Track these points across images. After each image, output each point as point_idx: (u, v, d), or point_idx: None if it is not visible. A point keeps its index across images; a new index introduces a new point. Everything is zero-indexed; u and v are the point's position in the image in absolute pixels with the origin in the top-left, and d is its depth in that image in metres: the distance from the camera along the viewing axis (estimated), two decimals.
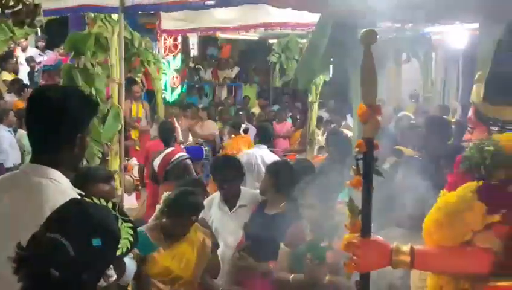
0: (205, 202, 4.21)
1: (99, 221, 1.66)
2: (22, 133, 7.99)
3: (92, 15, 6.45)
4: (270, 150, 6.64)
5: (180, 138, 9.39)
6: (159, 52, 11.04)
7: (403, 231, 3.11)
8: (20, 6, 3.66)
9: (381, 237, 2.07)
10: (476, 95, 2.24)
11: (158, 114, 9.67)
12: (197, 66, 14.68)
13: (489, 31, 3.93)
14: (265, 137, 6.56)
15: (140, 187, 7.67)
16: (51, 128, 2.08)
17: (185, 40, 13.39)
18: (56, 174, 2.08)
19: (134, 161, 8.41)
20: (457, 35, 9.87)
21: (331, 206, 3.54)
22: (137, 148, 9.15)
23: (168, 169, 6.44)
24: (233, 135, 8.68)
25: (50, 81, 10.50)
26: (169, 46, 11.92)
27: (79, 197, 1.98)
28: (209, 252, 3.75)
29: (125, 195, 6.90)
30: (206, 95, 14.38)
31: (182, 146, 8.25)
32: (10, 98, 9.89)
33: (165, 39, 11.48)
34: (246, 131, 9.23)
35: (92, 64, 6.19)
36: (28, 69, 12.00)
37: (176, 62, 12.39)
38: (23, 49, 12.26)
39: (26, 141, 5.80)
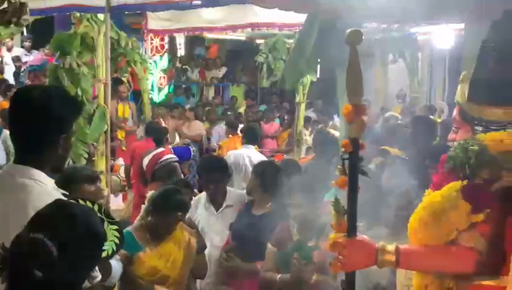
0: (192, 203, 4.20)
1: (83, 222, 1.65)
2: (7, 133, 7.92)
3: (78, 15, 6.42)
4: (259, 151, 6.64)
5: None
6: (145, 52, 10.99)
7: (391, 231, 3.13)
8: (5, 5, 3.63)
9: (368, 236, 2.08)
10: (460, 95, 2.25)
11: (145, 114, 9.64)
12: (184, 66, 14.63)
13: (474, 31, 3.96)
14: (252, 137, 6.55)
15: (127, 188, 7.64)
16: (34, 129, 2.07)
17: (172, 40, 13.34)
18: (40, 175, 2.07)
19: (120, 161, 8.38)
20: (443, 36, 9.94)
21: (318, 206, 3.55)
22: (124, 148, 9.11)
23: (156, 169, 6.42)
24: (230, 135, 8.67)
25: (36, 81, 10.41)
26: (156, 46, 11.87)
27: (63, 197, 1.97)
28: (194, 252, 3.74)
29: (112, 196, 6.87)
30: (193, 95, 14.34)
31: (170, 146, 8.23)
32: None
33: (151, 39, 11.43)
34: (243, 131, 9.21)
35: (78, 64, 6.16)
36: (13, 69, 11.90)
37: (163, 62, 12.34)
38: (9, 49, 12.15)
39: (11, 142, 5.75)
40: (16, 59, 12.00)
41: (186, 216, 3.89)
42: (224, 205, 4.40)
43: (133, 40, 8.41)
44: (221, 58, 15.56)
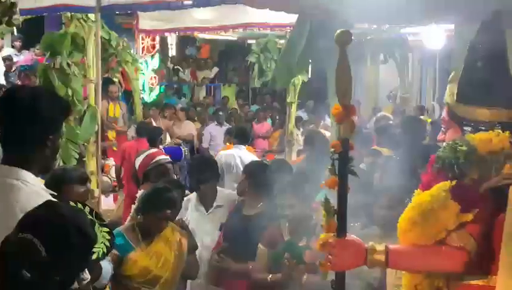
0: (182, 203, 4.19)
1: (73, 223, 1.65)
2: None
3: (69, 14, 6.39)
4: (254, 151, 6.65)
5: None
6: (136, 52, 10.96)
7: (381, 230, 3.14)
8: None
9: (359, 236, 2.08)
10: (449, 96, 2.26)
11: (136, 115, 9.61)
12: (175, 67, 14.61)
13: (464, 32, 3.97)
14: (243, 138, 6.56)
15: (117, 189, 7.61)
16: (21, 129, 2.06)
17: (163, 40, 13.31)
18: (28, 176, 2.06)
19: (111, 162, 8.35)
20: (434, 36, 9.97)
21: (309, 206, 3.56)
22: (115, 148, 9.09)
23: (148, 170, 6.40)
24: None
25: (26, 82, 10.36)
26: (147, 46, 11.83)
27: (52, 198, 1.96)
28: (186, 253, 3.74)
29: (103, 196, 6.84)
30: (184, 95, 14.33)
31: (161, 146, 8.21)
32: None
33: (142, 39, 11.38)
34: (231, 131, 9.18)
35: (69, 65, 6.14)
36: (3, 69, 11.83)
37: (154, 62, 12.31)
38: None
39: None
40: (6, 59, 11.93)
41: (178, 217, 3.90)
42: (214, 205, 4.40)
43: (124, 40, 8.39)
44: (212, 59, 15.57)
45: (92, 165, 6.33)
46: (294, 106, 8.47)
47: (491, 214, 2.01)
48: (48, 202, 1.77)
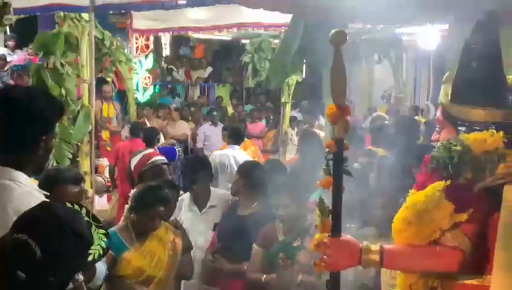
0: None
1: (68, 223, 1.64)
2: None
3: (62, 14, 6.37)
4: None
5: None
6: (130, 52, 10.94)
7: (378, 230, 3.14)
8: None
9: (356, 236, 2.08)
10: (444, 96, 2.26)
11: (130, 114, 9.59)
12: (169, 66, 14.59)
13: (458, 32, 3.99)
14: (237, 137, 6.55)
15: (111, 189, 7.59)
16: (14, 130, 2.05)
17: (157, 40, 13.28)
18: (20, 176, 2.05)
19: (105, 162, 8.33)
20: (428, 37, 9.99)
21: (303, 206, 3.56)
22: (109, 148, 9.07)
23: (144, 170, 6.38)
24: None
25: (19, 81, 10.31)
26: (141, 46, 11.80)
27: (45, 199, 1.95)
28: (180, 253, 3.73)
29: (97, 196, 6.82)
30: (178, 95, 14.31)
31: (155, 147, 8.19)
32: None
33: (136, 39, 11.36)
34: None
35: (62, 64, 6.12)
36: None
37: (148, 62, 12.28)
38: None
39: None
40: (0, 58, 11.87)
41: (172, 218, 3.89)
42: (208, 205, 4.40)
43: (117, 39, 8.37)
44: (206, 58, 15.54)
45: (85, 165, 6.31)
46: (288, 106, 8.48)
47: (486, 214, 2.01)
48: (44, 202, 1.77)
